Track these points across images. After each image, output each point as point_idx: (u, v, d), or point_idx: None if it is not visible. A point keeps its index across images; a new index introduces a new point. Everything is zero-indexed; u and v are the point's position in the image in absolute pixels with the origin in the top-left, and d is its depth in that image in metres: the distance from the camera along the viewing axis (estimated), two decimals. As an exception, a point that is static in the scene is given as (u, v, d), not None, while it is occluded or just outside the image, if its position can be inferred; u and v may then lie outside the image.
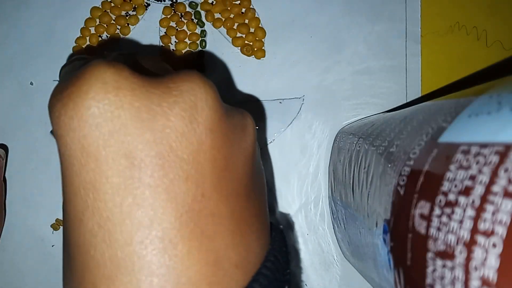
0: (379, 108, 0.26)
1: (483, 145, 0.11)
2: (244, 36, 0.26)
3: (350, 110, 0.26)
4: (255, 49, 0.26)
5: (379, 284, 0.17)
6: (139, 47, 0.26)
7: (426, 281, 0.11)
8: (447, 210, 0.11)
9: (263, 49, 0.26)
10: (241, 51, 0.26)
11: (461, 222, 0.10)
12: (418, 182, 0.13)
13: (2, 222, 0.26)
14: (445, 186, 0.11)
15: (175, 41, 0.26)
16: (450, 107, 0.14)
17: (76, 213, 0.13)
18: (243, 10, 0.26)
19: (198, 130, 0.13)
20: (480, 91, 0.13)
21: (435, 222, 0.11)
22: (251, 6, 0.26)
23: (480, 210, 0.10)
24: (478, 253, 0.10)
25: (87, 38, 0.26)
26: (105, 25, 0.26)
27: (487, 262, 0.09)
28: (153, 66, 0.17)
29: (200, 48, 0.26)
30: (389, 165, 0.15)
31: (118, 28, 0.26)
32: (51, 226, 0.26)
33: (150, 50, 0.26)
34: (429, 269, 0.11)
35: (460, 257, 0.10)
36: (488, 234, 0.09)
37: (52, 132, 0.14)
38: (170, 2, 0.26)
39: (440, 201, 0.11)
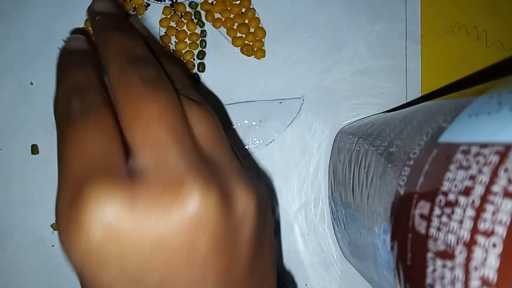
0: (379, 108, 0.26)
1: (483, 145, 0.11)
2: (244, 36, 0.26)
3: (350, 110, 0.26)
4: (255, 49, 0.26)
5: (379, 284, 0.17)
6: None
7: (426, 281, 0.11)
8: (447, 210, 0.11)
9: (263, 49, 0.26)
10: (241, 51, 0.26)
11: (461, 222, 0.10)
12: (418, 182, 0.13)
13: None
14: (445, 186, 0.11)
15: (175, 41, 0.26)
16: (450, 107, 0.14)
17: None
18: (243, 10, 0.26)
19: (199, 248, 0.13)
20: (480, 91, 0.13)
21: (435, 222, 0.11)
22: (251, 6, 0.26)
23: (480, 210, 0.10)
24: (478, 253, 0.10)
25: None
26: (105, 25, 0.26)
27: (487, 262, 0.09)
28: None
29: (200, 48, 0.26)
30: (389, 165, 0.15)
31: (118, 28, 0.26)
32: (51, 226, 0.26)
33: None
34: (429, 269, 0.11)
35: (460, 257, 0.10)
36: (488, 234, 0.09)
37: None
38: (170, 2, 0.26)
39: (440, 201, 0.11)
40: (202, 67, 0.26)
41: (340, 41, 0.26)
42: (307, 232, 0.26)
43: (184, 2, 0.26)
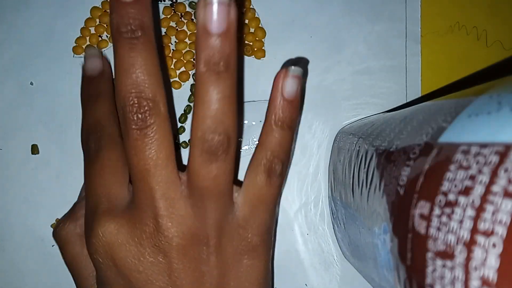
0: (379, 108, 0.26)
1: (483, 145, 0.11)
2: (244, 36, 0.26)
3: (350, 110, 0.26)
4: (255, 49, 0.26)
5: (379, 284, 0.17)
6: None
7: (426, 281, 0.11)
8: (447, 210, 0.11)
9: (263, 49, 0.26)
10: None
11: (461, 222, 0.10)
12: (418, 182, 0.13)
13: None
14: (445, 186, 0.11)
15: (175, 41, 0.26)
16: (450, 107, 0.14)
17: None
18: (243, 10, 0.26)
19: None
20: (480, 91, 0.13)
21: (435, 222, 0.11)
22: (251, 6, 0.26)
23: (480, 210, 0.10)
24: (478, 253, 0.10)
25: (87, 38, 0.26)
26: (105, 25, 0.26)
27: (487, 262, 0.09)
28: None
29: (200, 48, 0.26)
30: (389, 165, 0.15)
31: (118, 28, 0.26)
32: (51, 226, 0.26)
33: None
34: (429, 269, 0.11)
35: (460, 257, 0.10)
36: (488, 234, 0.09)
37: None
38: (170, 2, 0.26)
39: (440, 201, 0.11)
40: (202, 67, 0.26)
41: (340, 41, 0.26)
42: (307, 232, 0.26)
43: (184, 2, 0.26)
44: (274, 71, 0.26)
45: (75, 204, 0.24)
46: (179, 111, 0.26)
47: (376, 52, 0.26)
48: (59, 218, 0.26)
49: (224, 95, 0.17)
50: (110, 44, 0.26)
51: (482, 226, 0.10)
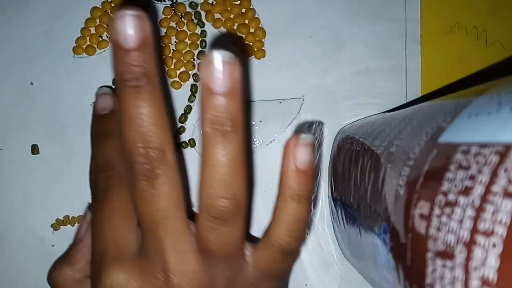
0: (379, 108, 0.26)
1: (483, 145, 0.11)
2: (244, 36, 0.26)
3: (350, 110, 0.26)
4: (255, 49, 0.26)
5: (379, 284, 0.17)
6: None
7: (426, 281, 0.11)
8: (447, 210, 0.11)
9: (263, 49, 0.26)
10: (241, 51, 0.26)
11: (461, 222, 0.10)
12: (418, 182, 0.13)
13: None
14: (445, 186, 0.11)
15: (175, 41, 0.26)
16: (450, 107, 0.14)
17: None
18: (243, 10, 0.26)
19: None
20: (480, 91, 0.13)
21: (435, 222, 0.11)
22: (251, 7, 0.26)
23: (480, 210, 0.10)
24: (478, 253, 0.10)
25: (87, 38, 0.26)
26: (105, 25, 0.26)
27: (487, 262, 0.09)
28: None
29: (200, 48, 0.26)
30: (389, 165, 0.15)
31: (118, 28, 0.26)
32: (51, 226, 0.26)
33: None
34: (429, 269, 0.11)
35: (460, 257, 0.10)
36: (488, 234, 0.09)
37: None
38: (170, 3, 0.26)
39: (440, 201, 0.11)
40: (202, 67, 0.26)
41: (340, 41, 0.26)
42: (307, 232, 0.26)
43: (184, 2, 0.26)
44: (274, 71, 0.26)
45: (70, 248, 0.23)
46: (179, 111, 0.26)
47: (376, 52, 0.26)
48: (59, 218, 0.26)
49: (232, 157, 0.17)
50: (110, 44, 0.26)
51: (482, 226, 0.10)
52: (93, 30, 0.26)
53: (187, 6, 0.26)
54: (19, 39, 0.26)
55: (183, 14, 0.26)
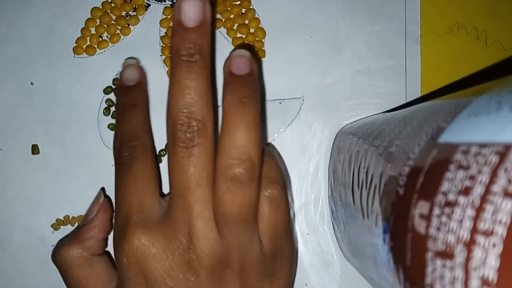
0: (379, 108, 0.26)
1: (483, 145, 0.11)
2: (244, 36, 0.26)
3: (350, 110, 0.26)
4: (255, 49, 0.26)
5: (379, 284, 0.17)
6: (139, 47, 0.26)
7: (425, 281, 0.11)
8: (447, 210, 0.11)
9: (263, 49, 0.26)
10: (241, 51, 0.26)
11: (460, 222, 0.10)
12: (418, 182, 0.13)
13: None
14: (445, 186, 0.11)
15: (175, 41, 0.26)
16: (450, 107, 0.14)
17: None
18: (243, 10, 0.26)
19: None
20: (480, 91, 0.13)
21: (434, 222, 0.11)
22: (251, 7, 0.26)
23: (479, 210, 0.10)
24: (478, 253, 0.10)
25: (88, 38, 0.26)
26: (105, 26, 0.26)
27: (487, 262, 0.09)
28: None
29: (200, 48, 0.26)
30: (389, 165, 0.15)
31: (118, 29, 0.26)
32: (51, 226, 0.26)
33: (151, 51, 0.26)
34: (429, 269, 0.11)
35: (460, 257, 0.10)
36: (488, 234, 0.09)
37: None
38: (170, 3, 0.26)
39: (439, 201, 0.11)
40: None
41: (340, 41, 0.26)
42: (307, 232, 0.26)
43: (184, 2, 0.26)
44: (274, 71, 0.26)
45: (79, 227, 0.24)
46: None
47: (376, 52, 0.26)
48: (59, 218, 0.26)
49: (249, 123, 0.18)
50: (111, 44, 0.26)
51: (482, 226, 0.10)
52: (93, 30, 0.26)
53: (187, 6, 0.26)
54: (19, 39, 0.26)
55: (183, 14, 0.26)
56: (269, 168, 0.21)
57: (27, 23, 0.26)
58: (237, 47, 0.25)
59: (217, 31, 0.26)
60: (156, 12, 0.26)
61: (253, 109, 0.19)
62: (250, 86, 0.19)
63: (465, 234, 0.10)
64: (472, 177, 0.10)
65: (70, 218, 0.26)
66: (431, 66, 0.26)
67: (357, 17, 0.26)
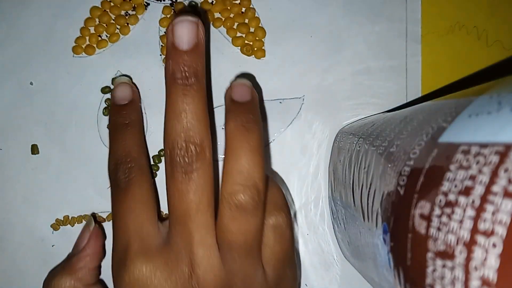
0: (379, 108, 0.26)
1: (483, 145, 0.11)
2: (244, 35, 0.26)
3: (350, 110, 0.26)
4: (255, 49, 0.26)
5: (379, 284, 0.17)
6: (139, 47, 0.26)
7: (426, 281, 0.11)
8: (447, 210, 0.11)
9: (263, 49, 0.26)
10: (241, 51, 0.26)
11: (461, 222, 0.10)
12: (418, 182, 0.13)
13: None
14: (445, 186, 0.11)
15: (175, 41, 0.26)
16: (450, 107, 0.14)
17: None
18: (243, 9, 0.26)
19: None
20: (480, 91, 0.13)
21: (435, 222, 0.11)
22: (251, 6, 0.26)
23: (480, 210, 0.10)
24: (478, 253, 0.10)
25: (87, 38, 0.26)
26: (104, 25, 0.26)
27: (487, 262, 0.09)
28: None
29: (200, 48, 0.26)
30: (389, 165, 0.15)
31: (117, 28, 0.26)
32: (51, 226, 0.26)
33: (150, 50, 0.26)
34: (429, 269, 0.11)
35: (460, 257, 0.10)
36: (488, 234, 0.09)
37: None
38: (169, 2, 0.26)
39: (440, 201, 0.11)
40: (202, 67, 0.26)
41: (340, 41, 0.26)
42: (307, 232, 0.26)
43: (184, 2, 0.26)
44: (274, 71, 0.26)
45: (70, 256, 0.23)
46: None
47: (376, 52, 0.26)
48: (59, 218, 0.26)
49: (253, 147, 0.18)
50: (110, 44, 0.26)
51: (482, 226, 0.10)
52: (92, 30, 0.26)
53: (187, 5, 0.26)
54: (19, 39, 0.26)
55: (183, 14, 0.26)
56: (272, 193, 0.20)
57: (26, 23, 0.26)
58: (237, 76, 0.25)
59: (217, 30, 0.26)
60: (155, 11, 0.26)
61: (256, 134, 0.18)
62: (252, 112, 0.19)
63: (465, 234, 0.10)
64: (472, 177, 0.10)
65: (70, 218, 0.26)
66: (432, 66, 0.26)
67: (357, 17, 0.26)
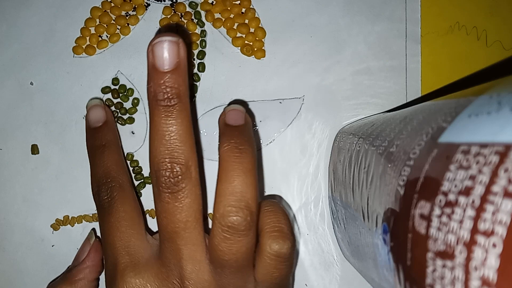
0: (379, 108, 0.26)
1: (483, 145, 0.11)
2: (244, 36, 0.26)
3: (350, 110, 0.26)
4: (255, 49, 0.26)
5: (379, 284, 0.17)
6: (139, 47, 0.26)
7: (426, 281, 0.11)
8: (447, 210, 0.11)
9: (263, 49, 0.26)
10: (241, 51, 0.26)
11: (461, 222, 0.10)
12: (418, 182, 0.13)
13: None
14: (445, 186, 0.11)
15: (175, 41, 0.26)
16: (450, 107, 0.14)
17: None
18: (243, 10, 0.26)
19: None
20: (480, 91, 0.13)
21: (435, 222, 0.11)
22: (251, 6, 0.26)
23: (480, 210, 0.10)
24: (478, 253, 0.10)
25: (87, 38, 0.26)
26: (105, 25, 0.26)
27: (487, 262, 0.09)
28: None
29: (200, 48, 0.26)
30: (389, 165, 0.15)
31: (118, 28, 0.26)
32: (51, 226, 0.26)
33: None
34: (429, 269, 0.11)
35: (460, 257, 0.10)
36: (488, 234, 0.09)
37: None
38: (170, 2, 0.26)
39: (440, 201, 0.11)
40: (202, 67, 0.26)
41: (340, 41, 0.26)
42: (307, 232, 0.26)
43: (184, 2, 0.26)
44: (274, 71, 0.26)
45: (71, 268, 0.24)
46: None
47: (376, 52, 0.26)
48: (59, 218, 0.26)
49: (246, 169, 0.18)
50: (110, 44, 0.26)
51: (482, 226, 0.10)
52: (93, 30, 0.26)
53: (187, 5, 0.26)
54: (19, 39, 0.26)
55: (183, 14, 0.26)
56: (279, 220, 0.20)
57: (27, 23, 0.26)
58: (230, 103, 0.26)
59: (217, 31, 0.26)
60: (155, 11, 0.26)
61: (249, 155, 0.19)
62: (246, 135, 0.19)
63: (465, 234, 0.10)
64: (472, 177, 0.10)
65: (70, 218, 0.26)
66: (432, 66, 0.26)
67: (357, 17, 0.26)
